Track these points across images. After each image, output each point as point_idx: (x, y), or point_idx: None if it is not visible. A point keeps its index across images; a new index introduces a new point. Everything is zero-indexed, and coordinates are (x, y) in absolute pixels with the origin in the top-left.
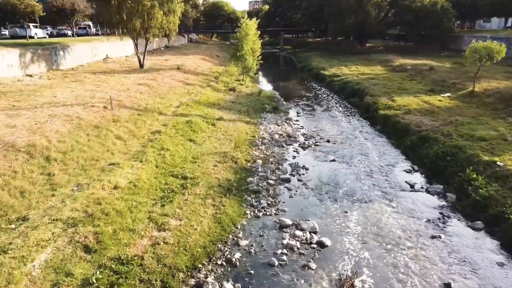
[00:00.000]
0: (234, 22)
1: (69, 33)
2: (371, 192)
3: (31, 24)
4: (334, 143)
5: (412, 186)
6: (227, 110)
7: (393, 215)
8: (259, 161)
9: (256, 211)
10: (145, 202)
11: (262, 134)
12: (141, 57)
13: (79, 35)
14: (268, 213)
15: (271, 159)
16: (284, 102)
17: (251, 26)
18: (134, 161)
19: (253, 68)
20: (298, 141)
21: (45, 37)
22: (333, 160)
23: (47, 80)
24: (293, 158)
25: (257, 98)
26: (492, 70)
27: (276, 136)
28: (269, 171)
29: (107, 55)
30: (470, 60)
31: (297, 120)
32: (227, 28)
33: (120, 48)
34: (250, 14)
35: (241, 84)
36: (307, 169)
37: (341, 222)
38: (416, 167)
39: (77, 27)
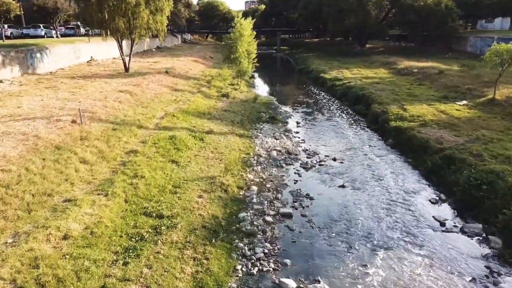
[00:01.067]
0: (229, 22)
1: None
2: (393, 232)
3: (41, 25)
4: (342, 162)
5: (442, 223)
6: (218, 121)
7: (426, 270)
8: (254, 188)
9: (250, 265)
10: (102, 260)
11: (258, 150)
12: (126, 59)
13: (67, 35)
14: (265, 268)
15: (268, 185)
16: (282, 110)
17: (245, 26)
18: (98, 194)
19: (248, 71)
20: (300, 160)
21: (53, 37)
22: (342, 186)
23: (18, 86)
24: (295, 183)
25: (252, 105)
26: (506, 75)
27: (274, 153)
28: (266, 202)
29: (91, 57)
30: (490, 64)
31: (297, 132)
32: (222, 28)
33: (106, 49)
34: (246, 14)
35: (236, 89)
36: (311, 198)
37: (362, 283)
38: (443, 196)
39: (65, 27)
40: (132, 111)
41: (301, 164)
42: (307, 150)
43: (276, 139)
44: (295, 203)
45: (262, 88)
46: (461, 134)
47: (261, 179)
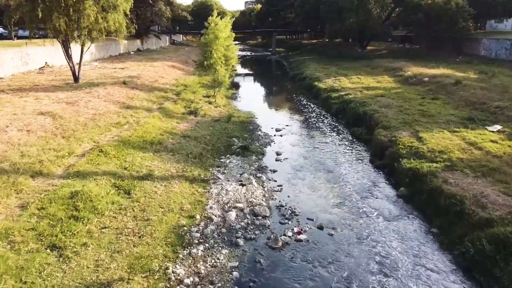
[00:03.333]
0: None
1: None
2: None
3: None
4: (331, 233)
5: None
6: (169, 155)
7: None
8: None
9: None
10: None
11: (210, 209)
12: (76, 68)
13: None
14: None
15: None
16: (262, 132)
17: (222, 27)
18: None
19: (225, 81)
20: (269, 227)
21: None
22: None
23: None
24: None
25: (224, 126)
26: None
27: (232, 215)
28: None
29: (46, 63)
30: None
31: (274, 171)
32: None
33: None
34: (244, 14)
35: (210, 103)
36: None
37: None
38: None
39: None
40: (38, 147)
41: (268, 239)
42: (282, 207)
43: (242, 185)
44: None
45: (244, 101)
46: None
47: (197, 278)
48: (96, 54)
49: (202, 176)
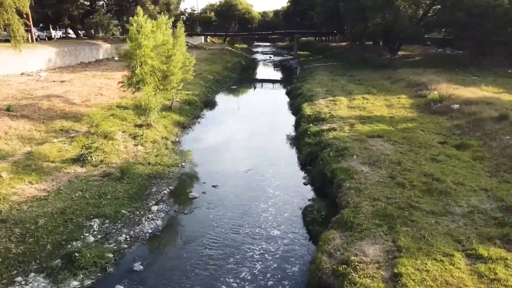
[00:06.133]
0: (249, 23)
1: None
2: None
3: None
4: None
5: None
6: None
7: None
8: None
9: None
10: None
11: None
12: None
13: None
14: None
15: None
16: (162, 203)
17: (147, 31)
18: None
19: (152, 106)
20: None
21: None
22: None
23: None
24: None
25: (107, 188)
26: None
27: None
28: None
29: None
30: None
31: None
32: (233, 30)
33: (11, 60)
34: (277, 14)
35: (136, 137)
36: None
37: None
38: None
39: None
40: None
41: None
42: None
43: None
44: None
45: (200, 130)
46: None
47: None
48: (58, 61)
49: None
